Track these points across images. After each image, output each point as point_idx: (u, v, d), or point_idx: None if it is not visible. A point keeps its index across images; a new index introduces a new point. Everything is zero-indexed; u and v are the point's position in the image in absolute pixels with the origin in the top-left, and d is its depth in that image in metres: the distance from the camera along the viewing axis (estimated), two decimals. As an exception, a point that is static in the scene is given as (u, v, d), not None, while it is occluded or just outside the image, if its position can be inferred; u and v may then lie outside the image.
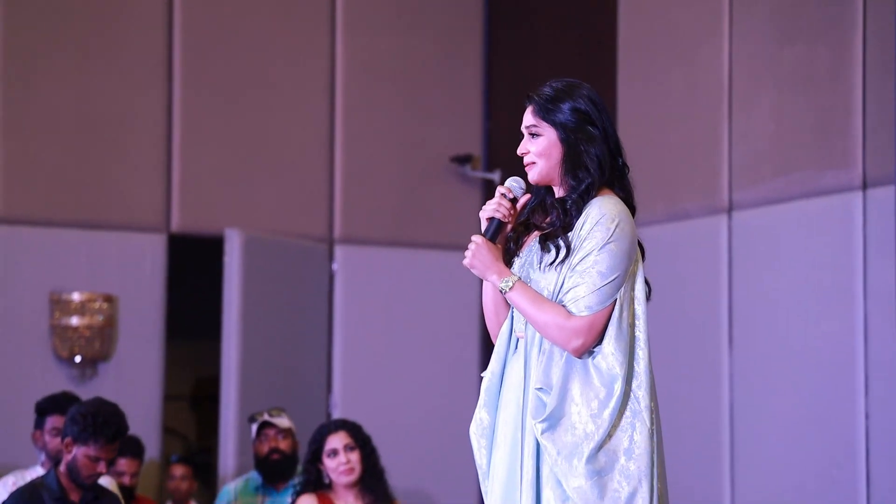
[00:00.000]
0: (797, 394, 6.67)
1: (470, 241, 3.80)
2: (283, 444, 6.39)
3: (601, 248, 3.64)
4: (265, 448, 6.39)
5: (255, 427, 6.44)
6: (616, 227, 3.65)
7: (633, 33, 7.72)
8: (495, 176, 8.57)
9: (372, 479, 6.03)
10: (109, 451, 5.19)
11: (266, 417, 6.42)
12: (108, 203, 7.94)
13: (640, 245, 3.81)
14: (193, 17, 8.16)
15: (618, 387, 3.61)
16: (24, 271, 7.75)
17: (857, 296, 6.40)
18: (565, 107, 3.76)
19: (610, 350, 3.63)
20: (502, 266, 3.77)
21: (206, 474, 9.74)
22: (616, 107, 7.64)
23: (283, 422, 6.40)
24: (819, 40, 6.70)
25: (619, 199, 3.74)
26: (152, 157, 8.05)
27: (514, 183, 3.85)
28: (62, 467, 5.23)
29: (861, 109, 6.49)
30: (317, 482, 6.03)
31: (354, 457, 6.01)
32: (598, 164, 3.73)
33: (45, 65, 7.88)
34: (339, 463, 5.99)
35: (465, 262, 3.80)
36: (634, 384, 3.64)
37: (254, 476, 6.46)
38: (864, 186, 6.46)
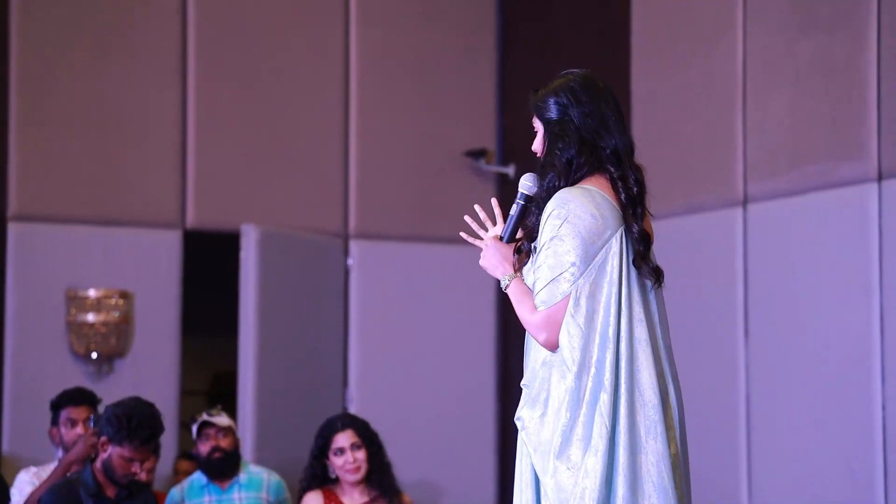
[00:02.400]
0: (813, 385, 6.66)
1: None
2: (224, 443, 6.44)
3: (550, 240, 3.65)
4: (207, 447, 6.44)
5: (195, 428, 6.48)
6: (565, 219, 3.64)
7: (647, 26, 7.72)
8: (510, 170, 8.57)
9: (377, 473, 6.08)
10: (143, 453, 5.35)
11: (205, 417, 6.46)
12: (123, 199, 7.96)
13: (647, 233, 3.75)
14: (208, 14, 8.17)
15: (571, 378, 3.61)
16: (41, 268, 7.76)
17: (874, 287, 6.39)
18: (549, 102, 3.81)
19: (565, 342, 3.63)
20: (507, 265, 3.83)
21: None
22: (630, 101, 7.63)
23: (223, 420, 6.45)
24: (834, 32, 6.69)
25: (583, 189, 3.71)
26: (168, 153, 8.06)
27: (528, 182, 3.88)
28: (98, 464, 5.38)
29: (876, 101, 6.47)
30: (323, 477, 6.09)
31: (361, 455, 6.07)
32: (564, 162, 3.74)
33: (60, 62, 7.90)
34: (346, 461, 6.06)
35: (480, 262, 3.91)
36: (589, 375, 3.61)
37: (198, 476, 6.51)
38: (880, 178, 6.44)
